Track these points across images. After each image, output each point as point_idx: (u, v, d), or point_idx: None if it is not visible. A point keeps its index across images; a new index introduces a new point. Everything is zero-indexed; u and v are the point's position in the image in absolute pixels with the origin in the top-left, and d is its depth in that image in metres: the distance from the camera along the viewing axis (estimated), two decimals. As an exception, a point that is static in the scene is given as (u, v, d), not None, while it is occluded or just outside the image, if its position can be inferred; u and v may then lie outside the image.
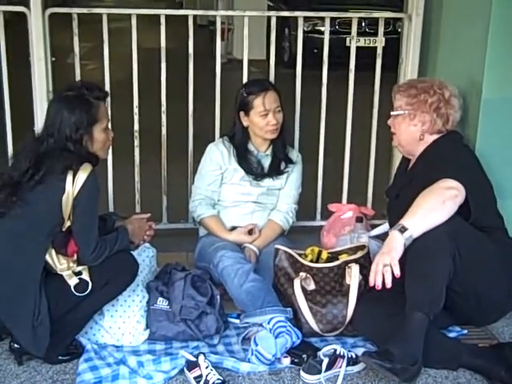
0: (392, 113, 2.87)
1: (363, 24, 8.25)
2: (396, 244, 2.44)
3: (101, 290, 2.54)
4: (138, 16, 3.42)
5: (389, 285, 2.40)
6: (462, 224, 2.51)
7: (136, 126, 3.53)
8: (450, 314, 2.67)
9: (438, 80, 2.85)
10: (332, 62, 3.57)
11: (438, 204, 2.46)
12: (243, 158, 3.16)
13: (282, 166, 3.22)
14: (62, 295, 2.50)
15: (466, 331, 2.79)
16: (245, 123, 3.14)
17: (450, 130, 2.82)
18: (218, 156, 3.16)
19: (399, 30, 8.18)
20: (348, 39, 8.82)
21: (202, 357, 2.46)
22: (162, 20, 3.38)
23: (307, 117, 3.68)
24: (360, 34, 8.54)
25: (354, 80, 3.58)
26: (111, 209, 3.52)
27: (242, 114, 3.13)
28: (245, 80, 3.47)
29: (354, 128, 3.67)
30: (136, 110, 3.50)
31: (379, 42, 3.56)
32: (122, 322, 2.71)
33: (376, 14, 3.58)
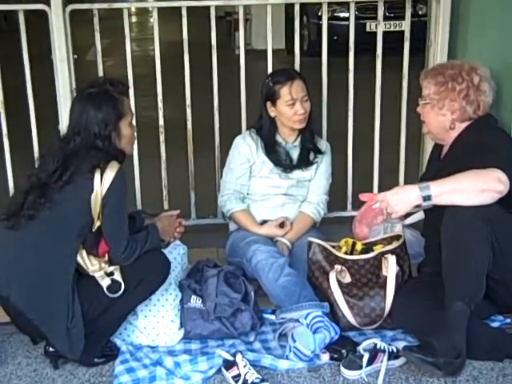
0: (420, 101, 2.78)
1: (383, 8, 8.10)
2: (410, 201, 2.45)
3: (134, 290, 2.51)
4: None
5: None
6: (498, 211, 2.42)
7: (161, 121, 3.47)
8: (490, 302, 2.60)
9: (468, 64, 2.73)
10: (356, 48, 3.47)
11: (475, 189, 2.39)
12: (271, 150, 3.09)
13: (311, 156, 3.14)
14: (95, 297, 2.47)
15: (509, 320, 2.71)
16: (272, 114, 3.07)
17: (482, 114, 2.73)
18: (245, 149, 3.10)
19: (420, 12, 8.04)
20: (368, 24, 8.71)
21: (239, 355, 2.42)
22: (184, 12, 3.31)
23: (332, 105, 3.60)
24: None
25: (376, 65, 3.48)
26: (139, 206, 3.48)
27: (268, 104, 3.06)
28: (269, 70, 3.39)
29: (380, 114, 3.59)
30: (160, 105, 3.45)
31: (406, 25, 3.46)
32: (156, 322, 2.67)
33: (401, -3, 3.48)
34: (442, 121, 2.71)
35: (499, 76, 2.91)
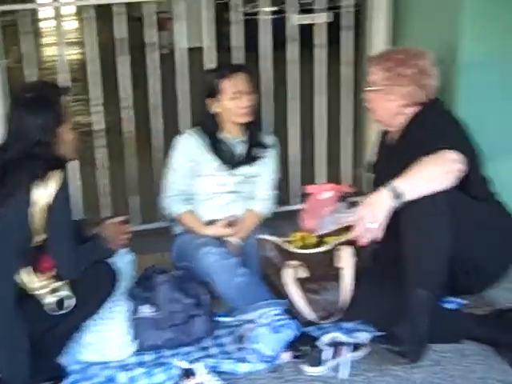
0: (367, 88, 2.74)
1: (310, 1, 8.12)
2: (384, 206, 2.32)
3: (81, 305, 2.36)
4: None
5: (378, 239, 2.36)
6: (457, 194, 2.40)
7: (99, 126, 3.33)
8: (448, 285, 2.58)
9: (415, 49, 2.71)
10: (278, 42, 3.48)
11: (442, 174, 2.35)
12: (216, 147, 2.98)
13: (258, 151, 3.05)
14: (39, 316, 2.31)
15: (465, 301, 2.70)
16: (216, 109, 2.97)
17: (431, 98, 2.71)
18: (189, 148, 2.98)
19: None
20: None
21: (198, 363, 2.32)
22: (120, 10, 3.19)
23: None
24: (308, 11, 8.44)
25: (315, 56, 3.47)
26: (80, 215, 3.32)
27: (211, 100, 2.95)
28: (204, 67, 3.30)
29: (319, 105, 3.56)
30: (100, 109, 3.31)
31: (343, 15, 3.43)
32: (106, 336, 2.53)
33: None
34: (391, 107, 2.67)
35: (442, 61, 2.89)
